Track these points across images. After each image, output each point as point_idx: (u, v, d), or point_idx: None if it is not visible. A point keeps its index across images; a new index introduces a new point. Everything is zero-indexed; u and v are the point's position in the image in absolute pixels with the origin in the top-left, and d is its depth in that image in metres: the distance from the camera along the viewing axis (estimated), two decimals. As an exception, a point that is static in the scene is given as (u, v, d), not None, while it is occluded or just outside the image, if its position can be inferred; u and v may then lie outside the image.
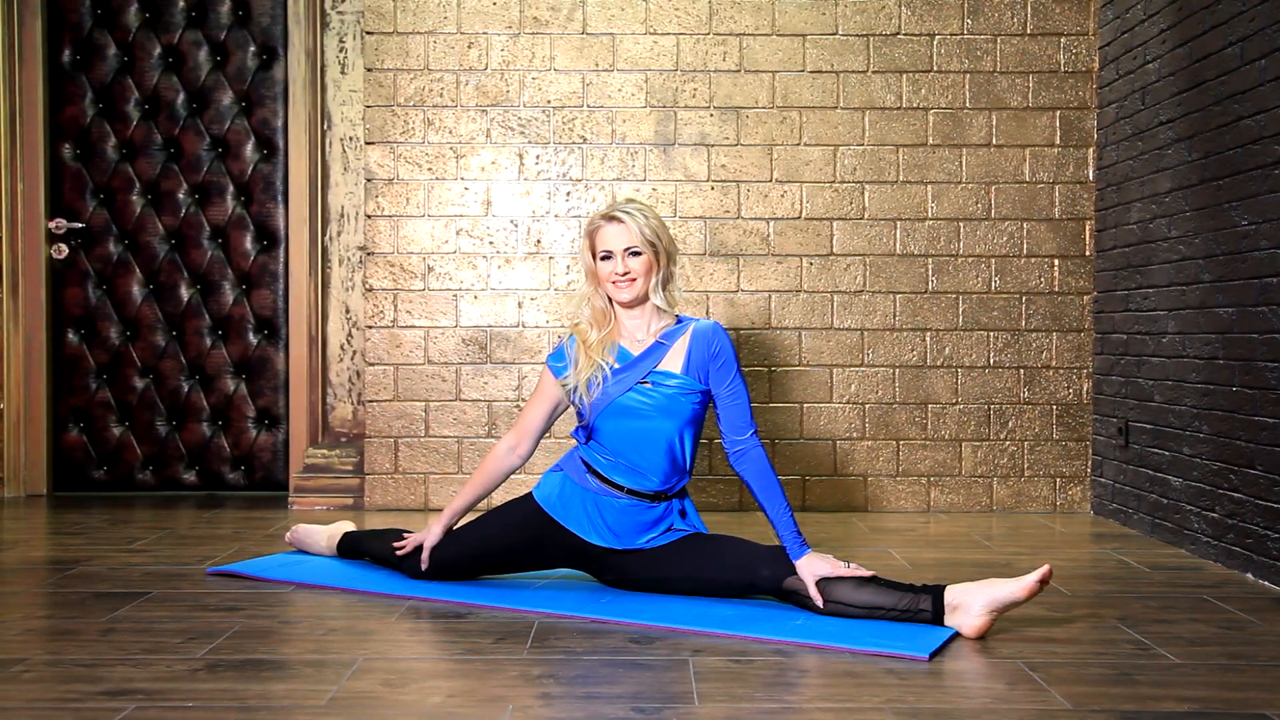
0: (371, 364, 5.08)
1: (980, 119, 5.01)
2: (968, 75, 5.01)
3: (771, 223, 5.01)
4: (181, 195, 5.27)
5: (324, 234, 5.09)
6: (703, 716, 2.26)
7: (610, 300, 3.53)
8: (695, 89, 5.03)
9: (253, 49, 5.21)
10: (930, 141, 5.00)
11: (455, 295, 5.07)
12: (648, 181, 5.02)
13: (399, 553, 3.59)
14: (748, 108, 5.03)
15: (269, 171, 5.22)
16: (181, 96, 5.26)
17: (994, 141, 5.01)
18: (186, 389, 5.32)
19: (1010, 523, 4.72)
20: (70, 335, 5.28)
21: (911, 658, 2.70)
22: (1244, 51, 3.81)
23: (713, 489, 4.93)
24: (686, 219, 5.00)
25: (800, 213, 4.98)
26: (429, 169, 5.05)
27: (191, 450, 5.29)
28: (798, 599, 3.14)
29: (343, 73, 5.07)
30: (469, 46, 5.01)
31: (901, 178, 5.00)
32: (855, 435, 5.09)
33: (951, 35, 4.99)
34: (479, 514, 3.70)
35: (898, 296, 4.99)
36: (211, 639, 2.79)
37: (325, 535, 3.97)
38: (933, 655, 2.71)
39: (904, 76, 5.00)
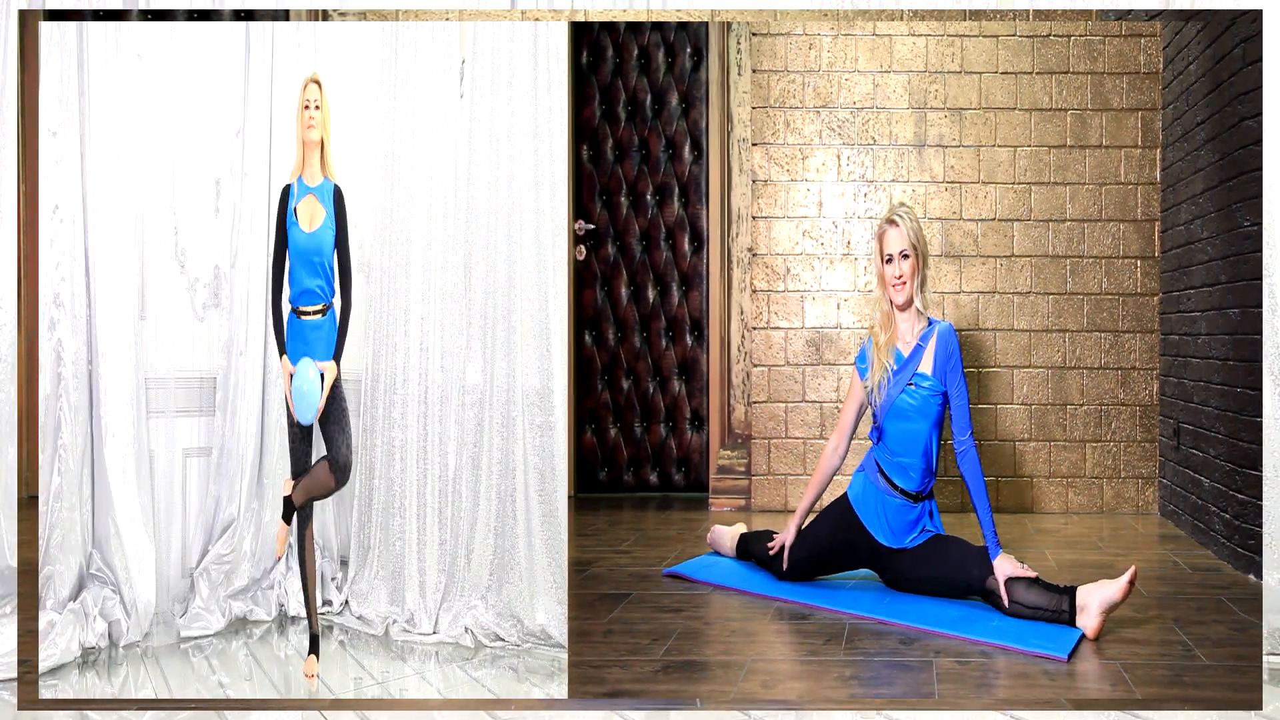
0: (756, 365, 4.88)
1: (1095, 120, 4.82)
2: (1089, 77, 4.83)
3: (979, 224, 4.87)
4: (649, 196, 5.16)
5: (728, 235, 4.90)
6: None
7: (891, 303, 3.44)
8: (936, 90, 4.82)
9: (688, 50, 5.10)
10: (1068, 143, 4.85)
11: (801, 297, 4.86)
12: (909, 183, 4.85)
13: (769, 553, 3.70)
14: (967, 109, 4.86)
15: (697, 173, 5.16)
16: (649, 98, 5.12)
17: (1104, 143, 4.83)
18: (652, 390, 5.21)
19: (1113, 523, 4.59)
20: (586, 337, 5.18)
21: (1057, 659, 2.94)
22: (1245, 52, 3.62)
23: (944, 490, 4.72)
24: (930, 221, 4.84)
25: (994, 214, 4.88)
26: (787, 170, 4.83)
27: (655, 452, 5.27)
28: (993, 599, 3.31)
29: (739, 74, 4.87)
30: (809, 47, 4.84)
31: (1051, 179, 4.86)
32: (1025, 436, 4.88)
33: (1079, 36, 4.79)
34: (814, 515, 3.80)
35: (1050, 298, 4.88)
36: (665, 640, 3.11)
37: (729, 537, 3.99)
38: (1070, 655, 2.96)
39: (1053, 78, 4.84)
